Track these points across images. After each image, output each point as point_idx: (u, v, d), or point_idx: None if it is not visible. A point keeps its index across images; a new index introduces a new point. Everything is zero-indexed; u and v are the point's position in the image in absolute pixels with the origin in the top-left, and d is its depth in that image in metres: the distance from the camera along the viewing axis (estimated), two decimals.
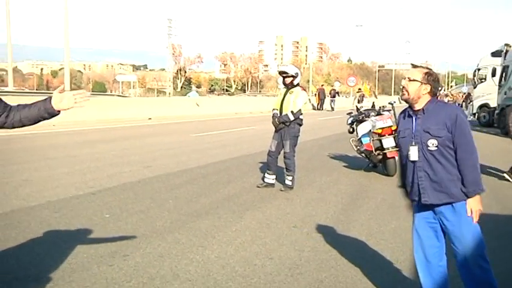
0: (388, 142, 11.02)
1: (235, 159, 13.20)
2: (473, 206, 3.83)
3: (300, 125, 9.57)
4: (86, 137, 17.75)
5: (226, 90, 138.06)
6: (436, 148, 3.85)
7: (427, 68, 4.07)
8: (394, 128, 10.99)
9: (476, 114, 30.98)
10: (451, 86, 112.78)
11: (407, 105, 4.07)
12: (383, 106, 12.48)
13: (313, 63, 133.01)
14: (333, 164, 13.15)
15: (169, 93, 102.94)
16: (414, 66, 4.12)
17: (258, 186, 9.65)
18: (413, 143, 3.96)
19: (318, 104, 47.74)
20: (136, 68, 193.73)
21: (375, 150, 11.29)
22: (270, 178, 9.70)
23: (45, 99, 3.59)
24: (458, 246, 3.92)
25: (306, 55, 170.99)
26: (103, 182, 9.56)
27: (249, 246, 6.20)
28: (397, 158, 11.13)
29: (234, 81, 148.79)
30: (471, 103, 34.57)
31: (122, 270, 5.21)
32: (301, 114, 9.49)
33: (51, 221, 6.90)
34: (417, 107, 3.96)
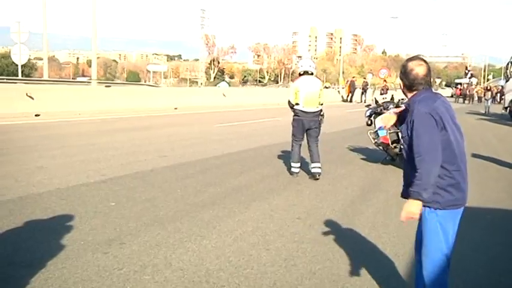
0: None
1: (252, 150, 13.18)
2: (407, 207, 3.62)
3: (295, 114, 9.96)
4: (109, 125, 17.92)
5: (259, 81, 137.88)
6: (406, 147, 3.75)
7: (406, 60, 3.91)
8: None
9: (508, 108, 30.36)
10: (488, 79, 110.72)
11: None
12: (402, 99, 12.28)
13: (347, 55, 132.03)
14: (350, 156, 13.04)
15: (201, 84, 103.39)
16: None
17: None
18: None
19: (348, 96, 47.36)
20: (170, 58, 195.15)
21: (392, 143, 11.15)
22: (313, 167, 10.02)
23: None
24: (422, 254, 3.84)
25: (340, 47, 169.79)
26: (115, 170, 9.64)
27: (248, 236, 6.19)
28: None
29: (267, 72, 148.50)
30: (503, 97, 34.00)
31: (115, 258, 5.25)
32: (293, 105, 9.90)
33: (57, 208, 6.98)
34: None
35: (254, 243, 5.94)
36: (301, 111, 9.81)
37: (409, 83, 3.78)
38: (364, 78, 63.49)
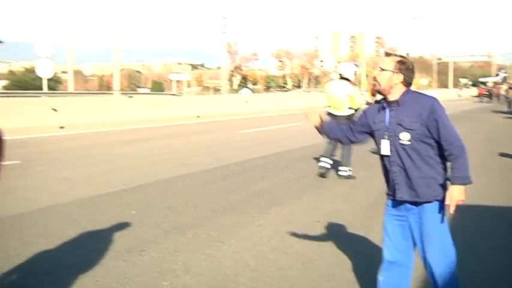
0: None
1: (273, 155, 13.20)
2: (455, 194, 3.57)
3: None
4: (132, 135, 18.09)
5: (283, 87, 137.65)
6: (409, 142, 3.65)
7: (401, 56, 3.85)
8: None
9: None
10: None
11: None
12: None
13: (370, 57, 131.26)
14: (372, 158, 12.91)
15: (224, 91, 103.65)
16: (387, 54, 3.91)
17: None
18: (385, 137, 3.79)
19: (372, 98, 47.10)
20: (194, 66, 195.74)
21: None
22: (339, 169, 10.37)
23: None
24: (422, 252, 3.77)
25: (363, 50, 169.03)
26: (137, 179, 9.74)
27: (267, 241, 6.21)
28: None
29: (290, 78, 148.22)
30: None
31: (135, 265, 5.31)
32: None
33: (79, 217, 7.09)
34: (391, 98, 3.75)
35: (273, 247, 5.96)
36: (330, 113, 10.12)
37: (410, 80, 3.77)
38: None
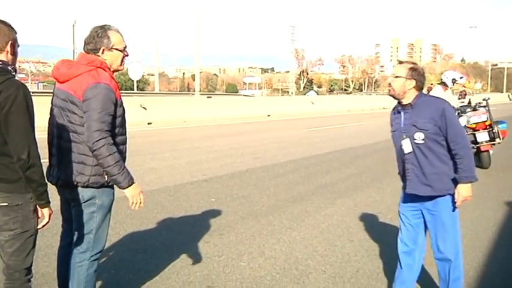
0: (482, 136, 10.45)
1: (338, 151, 13.10)
2: (462, 191, 3.62)
3: None
4: (211, 131, 18.37)
5: (345, 90, 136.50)
6: (423, 141, 3.66)
7: (412, 63, 3.83)
8: (488, 123, 10.50)
9: None
10: None
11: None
12: (479, 102, 11.82)
13: (427, 63, 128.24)
14: None
15: (292, 93, 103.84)
16: (400, 62, 3.89)
17: None
18: (404, 137, 3.78)
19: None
20: (264, 70, 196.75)
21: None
22: None
23: (130, 178, 3.30)
24: (435, 239, 3.83)
25: (420, 56, 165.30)
26: (216, 170, 9.90)
27: (334, 229, 6.20)
28: (491, 151, 10.60)
29: (352, 82, 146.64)
30: None
31: (216, 247, 5.41)
32: None
33: (166, 203, 7.27)
34: (405, 101, 3.76)
35: (339, 235, 5.94)
36: None
37: (422, 85, 3.75)
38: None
